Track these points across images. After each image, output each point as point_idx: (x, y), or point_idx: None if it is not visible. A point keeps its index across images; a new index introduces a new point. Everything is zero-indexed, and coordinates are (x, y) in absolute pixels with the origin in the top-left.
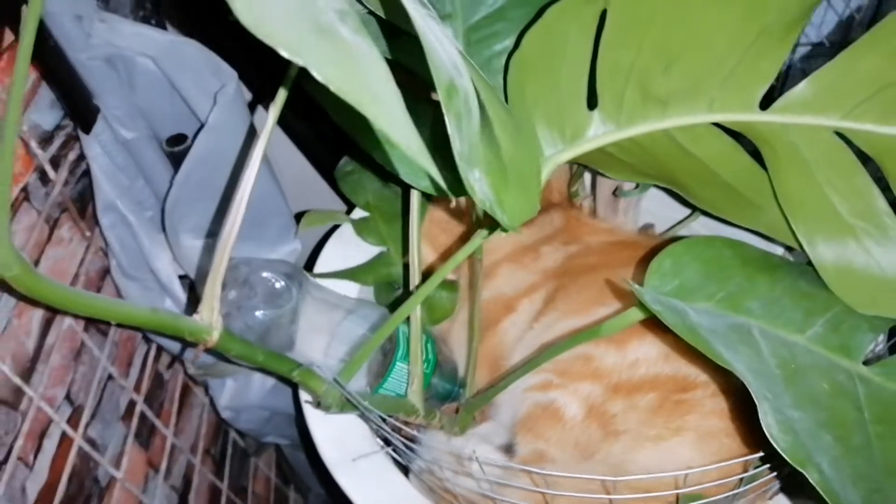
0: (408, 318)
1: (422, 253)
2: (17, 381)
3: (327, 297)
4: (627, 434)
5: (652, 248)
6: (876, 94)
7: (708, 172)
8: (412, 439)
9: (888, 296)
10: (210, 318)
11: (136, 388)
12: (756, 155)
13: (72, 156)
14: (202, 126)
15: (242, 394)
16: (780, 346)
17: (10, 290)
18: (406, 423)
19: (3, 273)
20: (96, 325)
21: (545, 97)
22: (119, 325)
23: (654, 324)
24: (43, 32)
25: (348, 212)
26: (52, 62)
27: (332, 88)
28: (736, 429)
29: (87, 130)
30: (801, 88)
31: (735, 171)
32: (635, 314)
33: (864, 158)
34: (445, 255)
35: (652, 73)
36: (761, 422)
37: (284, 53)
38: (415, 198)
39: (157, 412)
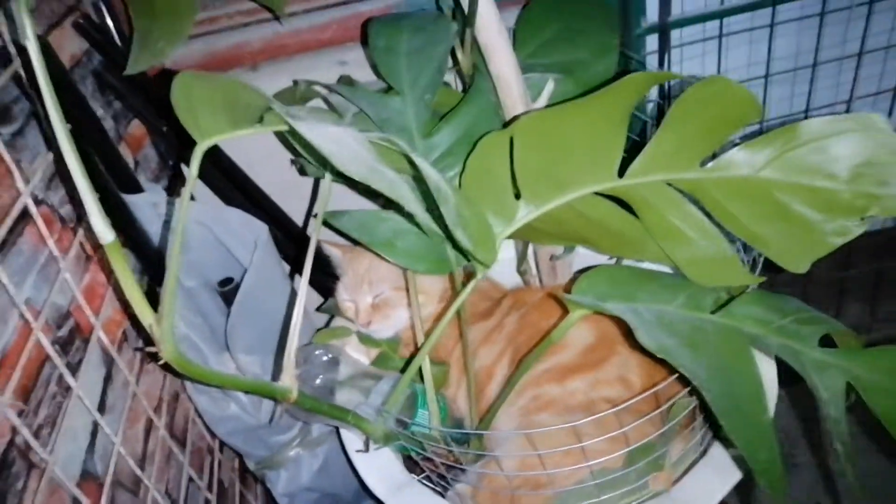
0: (422, 379)
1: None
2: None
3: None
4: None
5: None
6: (682, 150)
7: (602, 228)
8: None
9: (716, 271)
10: (290, 384)
11: (209, 489)
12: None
13: None
14: (245, 269)
15: (295, 479)
16: (657, 313)
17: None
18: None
19: (164, 348)
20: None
21: (487, 196)
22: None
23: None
24: (129, 217)
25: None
26: (136, 238)
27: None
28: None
29: (160, 283)
30: (638, 159)
31: (619, 223)
32: (573, 317)
33: None
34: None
35: (550, 169)
36: (640, 339)
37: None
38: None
39: None
